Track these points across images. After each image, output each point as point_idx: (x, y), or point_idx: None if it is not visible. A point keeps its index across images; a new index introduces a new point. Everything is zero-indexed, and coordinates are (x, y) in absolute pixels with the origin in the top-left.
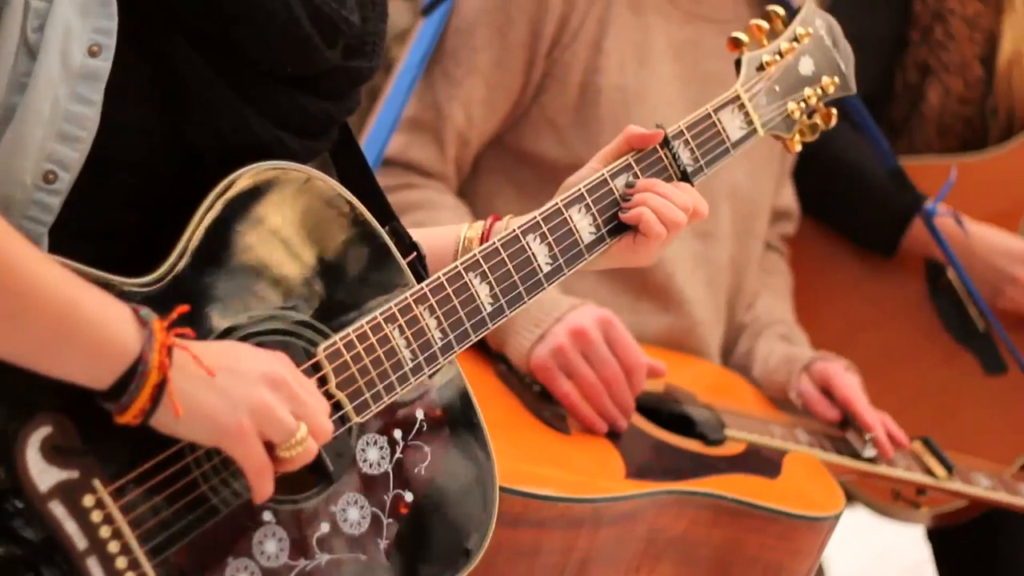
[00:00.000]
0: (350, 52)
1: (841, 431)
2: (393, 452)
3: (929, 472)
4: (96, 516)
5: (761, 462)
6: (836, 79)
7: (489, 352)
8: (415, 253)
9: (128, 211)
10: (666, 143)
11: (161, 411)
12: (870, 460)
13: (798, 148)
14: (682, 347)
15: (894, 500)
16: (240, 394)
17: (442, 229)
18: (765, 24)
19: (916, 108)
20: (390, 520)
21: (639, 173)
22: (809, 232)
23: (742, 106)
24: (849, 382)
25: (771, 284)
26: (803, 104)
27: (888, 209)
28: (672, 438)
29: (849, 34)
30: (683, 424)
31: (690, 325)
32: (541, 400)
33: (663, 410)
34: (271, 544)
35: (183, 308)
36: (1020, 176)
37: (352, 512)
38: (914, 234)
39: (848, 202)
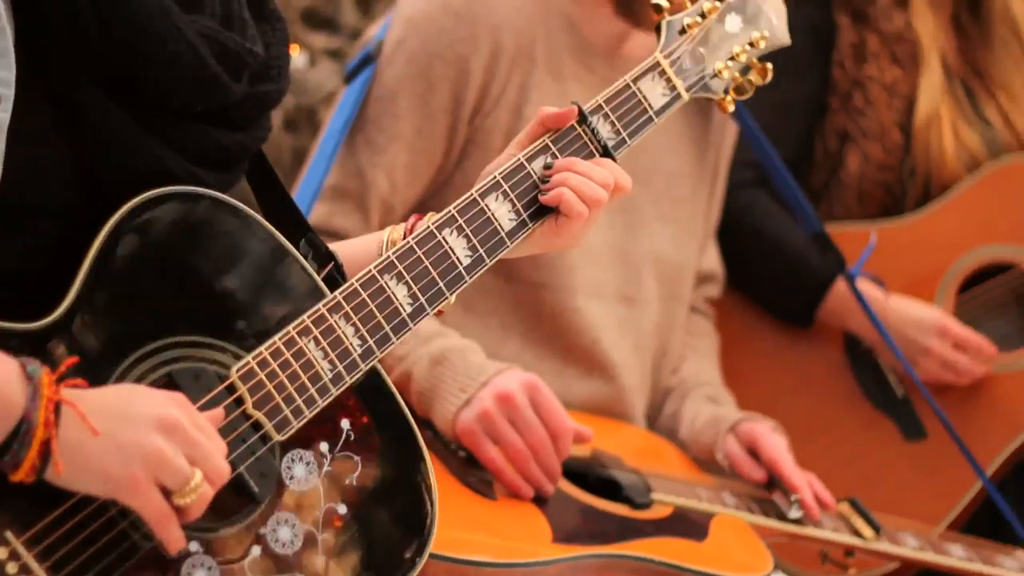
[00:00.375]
0: (256, 79)
1: (767, 492)
2: (321, 466)
3: (856, 533)
4: (11, 568)
5: (688, 525)
6: (766, 32)
7: (415, 418)
8: (332, 263)
9: (46, 255)
10: (584, 120)
11: (51, 468)
12: (796, 521)
13: (731, 108)
14: (608, 412)
15: (822, 563)
16: (132, 443)
17: (366, 236)
18: None
19: (835, 174)
20: (325, 535)
21: (557, 153)
22: (730, 300)
23: (663, 72)
24: (775, 443)
25: (697, 347)
26: (731, 62)
27: (804, 281)
28: (599, 502)
29: (768, 101)
30: (610, 488)
31: (616, 390)
32: (467, 465)
33: (590, 474)
34: (201, 574)
35: (71, 360)
36: (938, 241)
37: (283, 531)
38: (829, 306)
39: (766, 273)
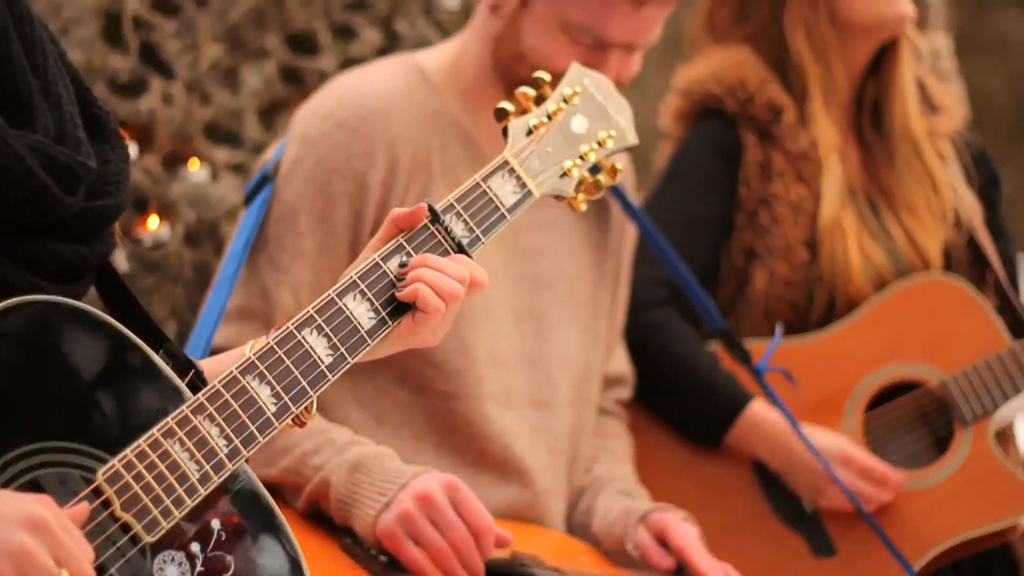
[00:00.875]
0: (94, 194)
1: None
2: (193, 566)
3: None
4: None
5: None
6: (612, 132)
7: (334, 527)
8: (192, 371)
9: None
10: (436, 219)
11: None
12: None
13: (583, 207)
14: (526, 518)
15: None
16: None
17: (236, 349)
18: (531, 91)
19: (742, 291)
20: None
21: (412, 252)
22: (641, 412)
23: (512, 171)
24: (685, 532)
25: (609, 447)
26: (580, 160)
27: (713, 406)
28: None
29: (675, 218)
30: None
31: (533, 495)
32: (389, 570)
33: (512, 573)
34: None
35: None
36: (846, 358)
37: None
38: (737, 433)
39: (675, 395)
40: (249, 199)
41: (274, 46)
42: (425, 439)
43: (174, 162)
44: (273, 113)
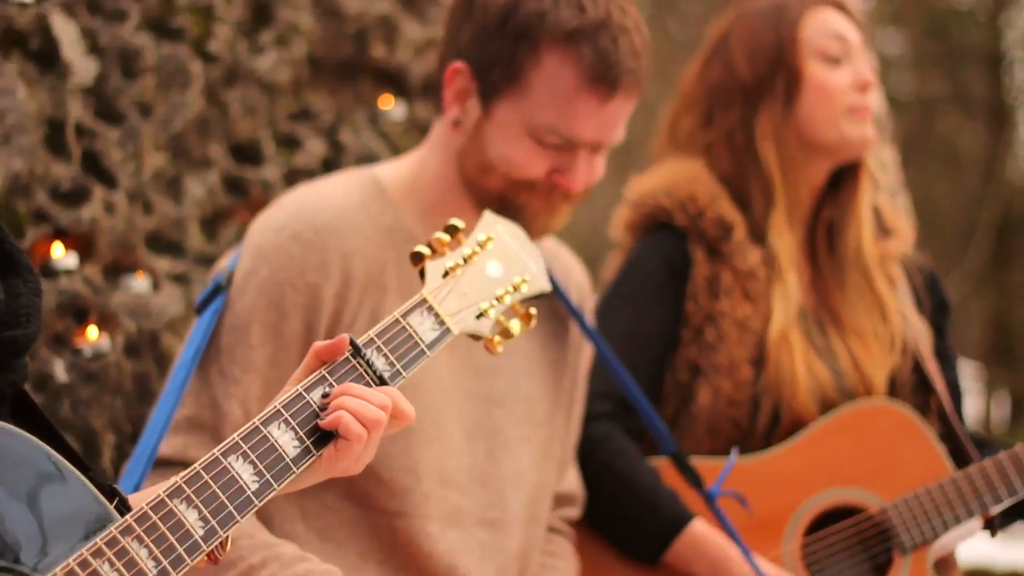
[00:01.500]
0: (4, 325)
1: None
2: None
3: None
4: None
5: None
6: (526, 278)
7: None
8: (116, 498)
9: None
10: (358, 352)
11: None
12: None
13: (499, 349)
14: None
15: None
16: None
17: (157, 486)
18: (446, 236)
19: (685, 407)
20: None
21: (334, 384)
22: (582, 530)
23: (431, 308)
24: None
25: (556, 567)
26: (496, 303)
27: (653, 524)
28: None
29: (620, 330)
30: None
31: None
32: None
33: None
34: None
35: None
36: (788, 480)
37: None
38: (676, 551)
39: (616, 510)
40: (201, 309)
41: (218, 155)
42: (369, 557)
43: (115, 272)
44: (216, 223)
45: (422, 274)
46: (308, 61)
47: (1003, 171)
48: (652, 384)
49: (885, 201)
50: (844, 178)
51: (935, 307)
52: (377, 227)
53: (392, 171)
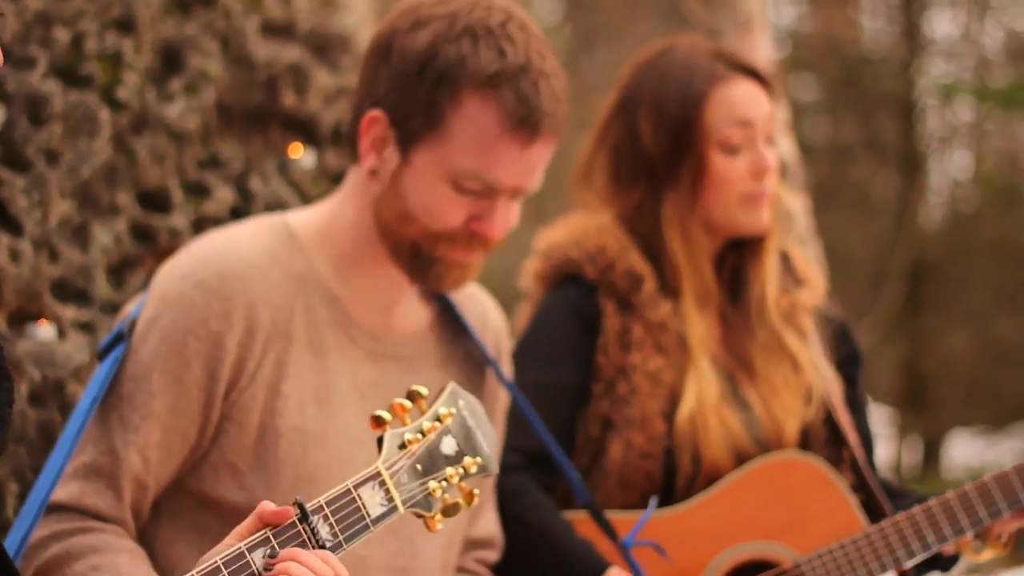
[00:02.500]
0: None
1: None
2: None
3: None
4: None
5: None
6: (478, 459)
7: None
8: None
9: None
10: (305, 517)
11: None
12: None
13: (439, 527)
14: None
15: None
16: None
17: None
18: (408, 403)
19: (597, 461)
20: None
21: (277, 547)
22: None
23: (383, 483)
24: None
25: None
26: (444, 483)
27: (570, 571)
28: None
29: (530, 382)
30: None
31: None
32: None
33: None
34: None
35: None
36: (700, 534)
37: None
38: None
39: (531, 562)
40: (102, 355)
41: (125, 203)
42: None
43: (20, 319)
44: (123, 271)
45: (380, 442)
46: (217, 109)
47: (915, 218)
48: (563, 437)
49: (796, 250)
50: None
51: (847, 358)
52: (286, 274)
53: (304, 218)
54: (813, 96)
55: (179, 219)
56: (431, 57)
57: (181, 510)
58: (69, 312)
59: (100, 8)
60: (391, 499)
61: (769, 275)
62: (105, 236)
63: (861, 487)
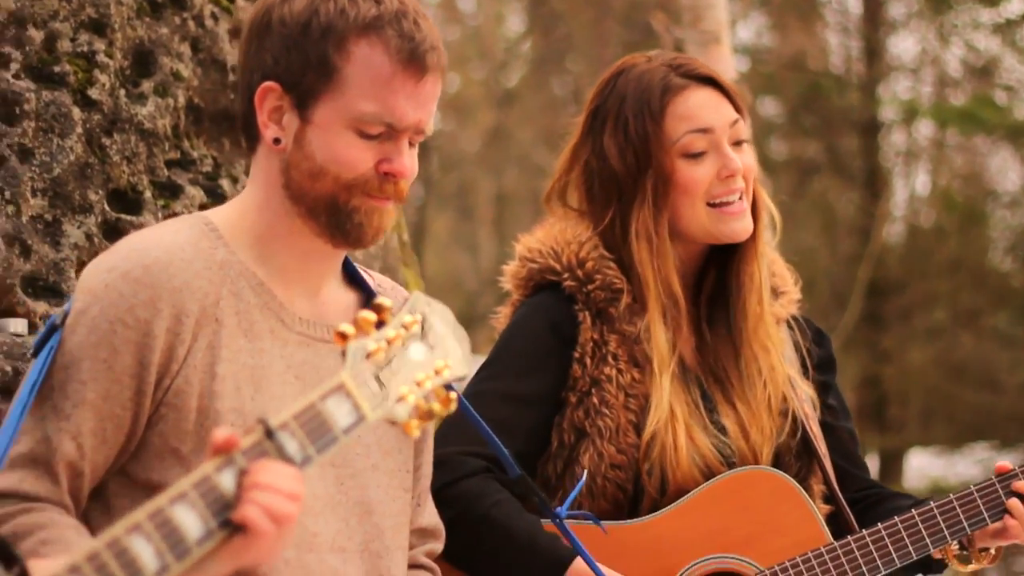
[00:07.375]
0: None
1: None
2: None
3: None
4: None
5: None
6: (449, 362)
7: None
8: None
9: None
10: (271, 435)
11: None
12: None
13: (416, 433)
14: None
15: None
16: None
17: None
18: (373, 316)
19: (569, 469)
20: None
21: (244, 466)
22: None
23: (349, 394)
24: None
25: None
26: (416, 387)
27: (535, 566)
28: None
29: (502, 390)
30: None
31: None
32: None
33: None
34: None
35: None
36: (666, 546)
37: None
38: None
39: (498, 560)
40: (37, 351)
41: (96, 201)
42: None
43: None
44: None
45: (344, 355)
46: (188, 109)
47: (878, 235)
48: (532, 445)
49: (777, 261)
50: (733, 250)
51: (823, 362)
52: (208, 262)
53: (221, 212)
54: (775, 115)
55: (149, 218)
56: (312, 15)
57: (130, 498)
58: (40, 307)
59: (73, 9)
60: (358, 408)
61: (753, 284)
62: (77, 233)
63: (832, 499)
